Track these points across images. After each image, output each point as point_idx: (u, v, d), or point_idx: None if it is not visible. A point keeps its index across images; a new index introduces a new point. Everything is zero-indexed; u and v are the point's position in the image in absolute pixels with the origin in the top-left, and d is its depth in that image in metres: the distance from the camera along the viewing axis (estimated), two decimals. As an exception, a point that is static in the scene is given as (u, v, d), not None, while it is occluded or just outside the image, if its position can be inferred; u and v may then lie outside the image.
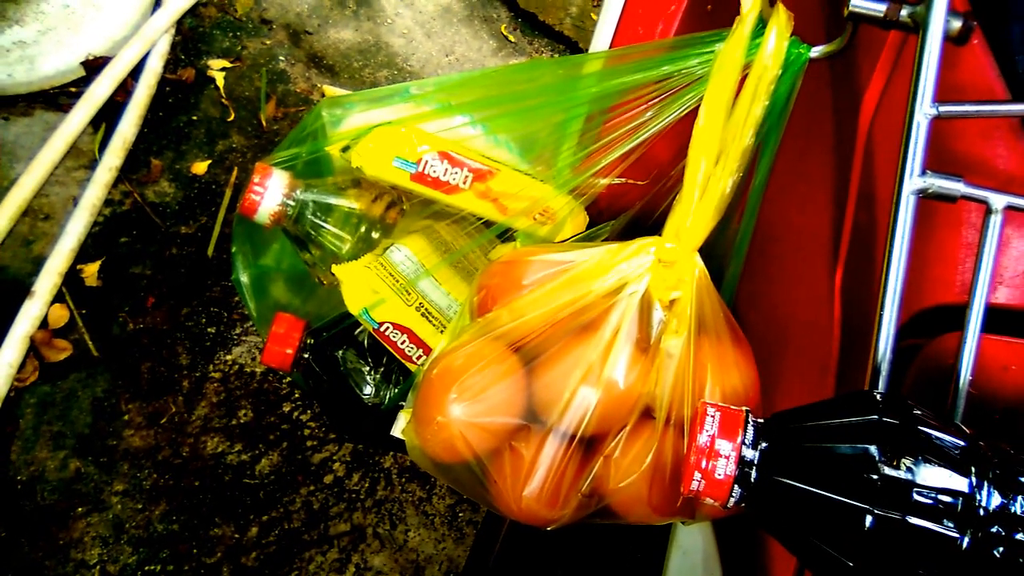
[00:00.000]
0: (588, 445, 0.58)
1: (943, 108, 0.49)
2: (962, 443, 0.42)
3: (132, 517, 1.25)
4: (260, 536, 1.27)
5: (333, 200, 0.77)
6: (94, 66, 1.53)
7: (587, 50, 0.81)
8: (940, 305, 0.54)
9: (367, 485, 1.32)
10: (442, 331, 0.72)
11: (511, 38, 1.76)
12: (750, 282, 0.68)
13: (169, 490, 1.27)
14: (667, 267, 0.57)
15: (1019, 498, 0.41)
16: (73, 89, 1.54)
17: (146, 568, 1.22)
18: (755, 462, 0.44)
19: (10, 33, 1.52)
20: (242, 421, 1.33)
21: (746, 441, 0.45)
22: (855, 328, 0.58)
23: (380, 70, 1.68)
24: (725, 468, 0.44)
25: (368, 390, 0.77)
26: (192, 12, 1.65)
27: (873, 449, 0.42)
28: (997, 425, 0.51)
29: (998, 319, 0.52)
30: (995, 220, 0.49)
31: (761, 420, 0.46)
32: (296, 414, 1.35)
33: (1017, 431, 0.51)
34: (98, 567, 1.22)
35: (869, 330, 0.52)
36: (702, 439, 0.45)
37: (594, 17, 1.77)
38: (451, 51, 1.73)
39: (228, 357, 1.37)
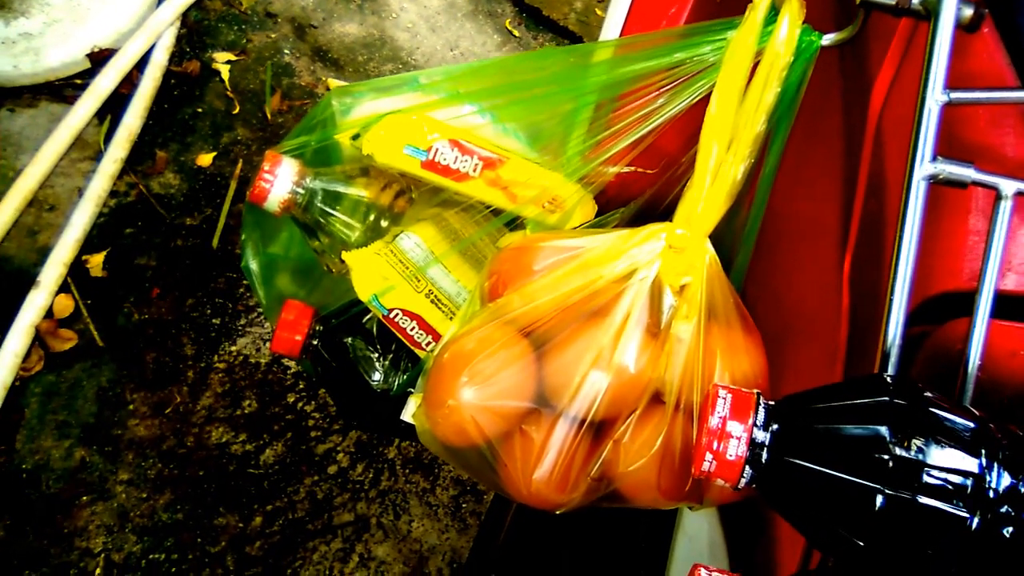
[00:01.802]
0: (598, 429, 0.59)
1: (954, 95, 0.49)
2: (972, 425, 0.43)
3: (137, 506, 1.26)
4: (264, 526, 1.27)
5: (342, 188, 0.78)
6: (99, 58, 1.54)
7: (593, 43, 0.82)
8: (948, 292, 0.54)
9: (371, 475, 1.32)
10: (451, 318, 0.72)
11: (515, 33, 1.77)
12: (759, 269, 0.68)
13: (174, 479, 1.28)
14: (678, 253, 0.57)
15: (1028, 479, 0.41)
16: (78, 81, 1.54)
17: (150, 557, 1.23)
18: (766, 443, 0.45)
19: (16, 25, 1.52)
20: (246, 411, 1.34)
21: (757, 423, 0.45)
22: (864, 315, 0.59)
23: (385, 64, 1.69)
24: (736, 449, 0.45)
25: (377, 377, 0.77)
26: (197, 5, 1.65)
27: (884, 430, 0.42)
28: (1005, 410, 0.52)
29: (1007, 305, 0.52)
30: (1005, 206, 0.49)
31: (772, 402, 0.47)
32: (300, 405, 1.36)
33: (1025, 416, 0.52)
34: (102, 555, 1.22)
35: (878, 317, 0.52)
36: (714, 421, 0.45)
37: (599, 12, 1.78)
38: (456, 45, 1.73)
39: (233, 348, 1.38)
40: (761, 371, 0.60)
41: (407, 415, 0.70)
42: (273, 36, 1.67)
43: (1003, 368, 0.51)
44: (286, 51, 1.66)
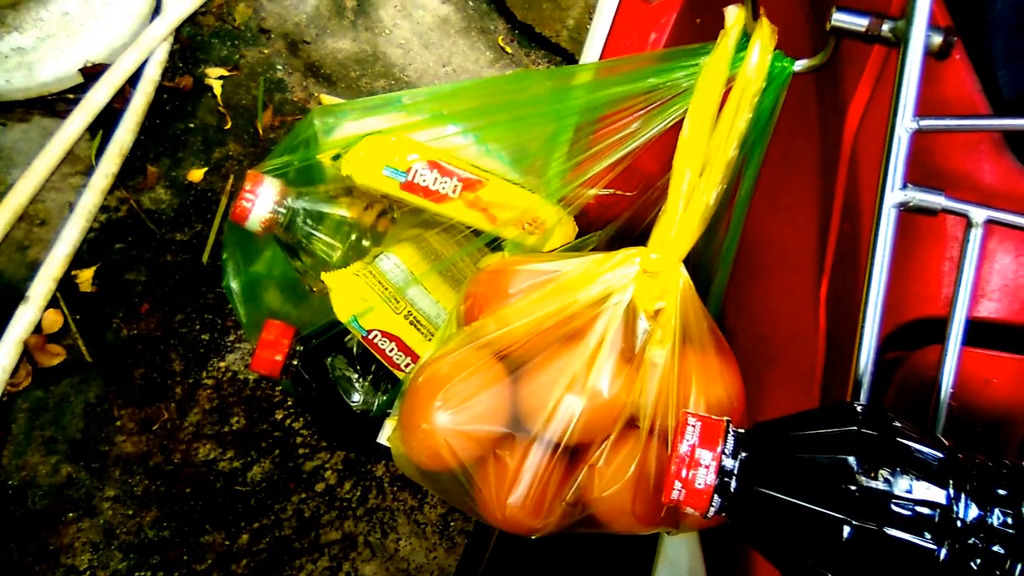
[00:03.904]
0: (572, 454, 0.58)
1: (924, 122, 0.49)
2: (940, 455, 0.42)
3: (123, 523, 1.25)
4: (251, 543, 1.26)
5: (325, 208, 0.78)
6: (92, 73, 1.54)
7: (581, 62, 0.82)
8: (923, 318, 0.54)
9: (359, 493, 1.32)
10: (430, 339, 0.72)
11: (508, 50, 1.77)
12: (736, 293, 0.68)
13: (160, 496, 1.27)
14: (652, 277, 0.57)
15: (996, 510, 0.41)
16: (71, 96, 1.54)
17: (136, 574, 1.22)
18: (735, 472, 0.44)
19: (9, 39, 1.52)
20: (234, 428, 1.33)
21: (726, 451, 0.45)
22: (840, 339, 0.58)
23: (377, 80, 1.69)
24: (705, 478, 0.44)
25: (357, 397, 0.77)
26: (191, 21, 1.65)
27: (852, 460, 0.42)
28: (978, 438, 0.51)
29: (981, 333, 0.52)
30: (976, 234, 0.49)
31: (742, 430, 0.46)
32: (288, 422, 1.35)
33: (998, 444, 0.52)
34: (88, 573, 1.21)
35: (853, 342, 0.52)
36: (683, 448, 0.45)
37: (591, 29, 1.78)
38: (448, 62, 1.73)
39: (221, 364, 1.38)
40: (736, 395, 0.59)
41: (383, 438, 0.70)
42: (266, 52, 1.67)
43: (977, 396, 0.51)
44: (279, 67, 1.66)
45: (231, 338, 1.40)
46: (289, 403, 1.36)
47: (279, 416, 1.35)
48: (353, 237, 0.79)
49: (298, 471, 1.32)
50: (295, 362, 0.79)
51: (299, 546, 1.27)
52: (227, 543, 1.26)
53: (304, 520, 1.29)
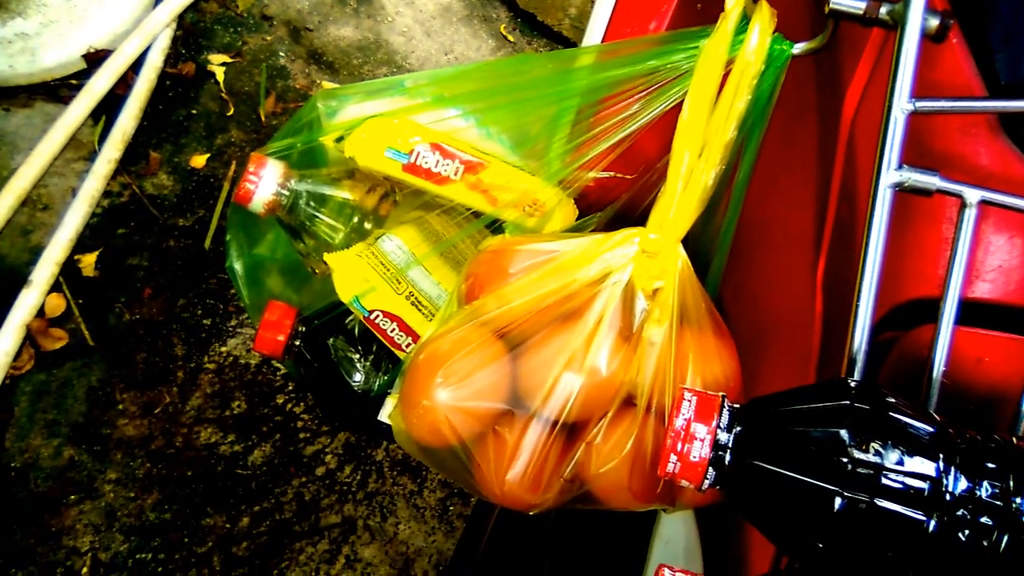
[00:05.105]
0: (570, 431, 0.59)
1: (920, 104, 0.50)
2: (931, 429, 0.43)
3: (124, 506, 1.26)
4: (251, 526, 1.27)
5: (327, 190, 0.78)
6: (95, 59, 1.54)
7: (582, 48, 0.82)
8: (918, 299, 0.55)
9: (359, 477, 1.33)
10: (431, 319, 0.73)
11: (510, 38, 1.78)
12: (735, 274, 0.69)
13: (162, 479, 1.28)
14: (650, 257, 0.58)
15: (984, 483, 0.42)
16: (74, 81, 1.55)
17: (137, 556, 1.23)
18: (729, 445, 0.45)
19: (12, 25, 1.53)
20: (235, 412, 1.34)
21: (721, 425, 0.46)
22: (837, 320, 0.59)
23: (379, 68, 1.70)
24: (700, 451, 0.45)
25: (358, 377, 0.78)
26: (193, 7, 1.66)
27: (844, 433, 0.43)
28: (971, 416, 0.52)
29: (975, 312, 0.53)
30: (969, 214, 0.50)
31: (737, 405, 0.47)
32: (289, 406, 1.36)
33: (990, 421, 0.52)
34: (89, 555, 1.22)
35: (849, 322, 0.53)
36: (678, 422, 0.46)
37: (593, 18, 1.78)
38: (450, 50, 1.74)
39: (223, 348, 1.38)
40: (733, 374, 0.60)
41: (384, 415, 0.70)
42: (269, 39, 1.68)
43: (969, 374, 0.52)
44: (281, 54, 1.67)
45: (233, 323, 1.41)
46: (290, 387, 1.37)
47: (280, 401, 1.36)
48: (355, 219, 0.79)
49: (298, 455, 1.33)
50: (297, 343, 0.79)
51: (299, 529, 1.28)
52: (228, 526, 1.27)
53: (304, 504, 1.30)
